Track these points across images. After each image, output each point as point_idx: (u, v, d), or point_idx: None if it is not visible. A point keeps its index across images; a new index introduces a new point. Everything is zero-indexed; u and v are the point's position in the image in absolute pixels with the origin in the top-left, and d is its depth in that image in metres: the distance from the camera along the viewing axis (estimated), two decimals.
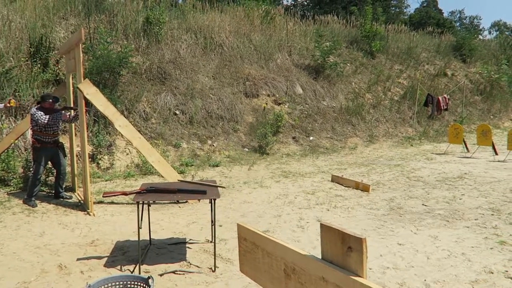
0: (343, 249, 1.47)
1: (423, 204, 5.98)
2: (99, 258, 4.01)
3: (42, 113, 5.61)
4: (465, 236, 4.61)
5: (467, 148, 10.85)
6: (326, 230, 1.57)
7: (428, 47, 18.62)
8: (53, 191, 6.17)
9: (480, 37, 25.66)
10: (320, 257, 1.62)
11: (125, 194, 3.90)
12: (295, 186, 7.11)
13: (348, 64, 14.75)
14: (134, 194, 3.75)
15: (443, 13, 44.65)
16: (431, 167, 8.78)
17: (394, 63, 16.34)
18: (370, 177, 7.80)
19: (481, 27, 55.81)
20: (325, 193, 6.65)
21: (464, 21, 56.69)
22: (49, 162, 6.01)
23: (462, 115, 15.02)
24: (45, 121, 5.57)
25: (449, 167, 8.78)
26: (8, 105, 5.89)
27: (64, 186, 6.16)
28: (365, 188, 6.81)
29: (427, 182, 7.38)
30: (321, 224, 1.62)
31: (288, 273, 1.75)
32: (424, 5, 45.28)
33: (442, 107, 14.06)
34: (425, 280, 3.51)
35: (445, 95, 14.42)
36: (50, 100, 5.73)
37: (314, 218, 5.31)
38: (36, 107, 5.73)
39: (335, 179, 7.44)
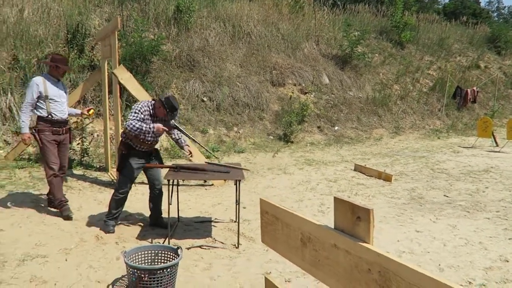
0: (353, 219, 1.65)
1: (444, 195, 6.03)
2: (132, 231, 4.33)
3: (142, 110, 4.11)
4: (484, 226, 4.68)
5: (496, 142, 10.67)
6: (339, 202, 1.76)
7: (461, 38, 18.15)
8: (149, 215, 4.58)
9: None
10: (333, 227, 1.81)
11: (161, 167, 4.22)
12: (317, 174, 7.28)
13: (377, 55, 14.62)
14: (166, 171, 4.04)
15: (480, 2, 43.00)
16: (457, 160, 8.73)
17: (424, 54, 16.05)
18: (393, 168, 7.86)
19: None
20: (347, 181, 6.78)
21: (502, 11, 54.40)
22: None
23: (493, 108, 14.66)
24: (130, 123, 4.02)
25: (475, 161, 8.70)
26: (86, 113, 5.09)
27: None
28: (387, 178, 6.89)
29: (451, 175, 7.38)
30: (334, 197, 1.81)
31: (304, 242, 1.96)
32: None
33: (469, 99, 13.79)
34: (439, 265, 3.64)
35: (475, 88, 14.11)
36: (168, 113, 4.11)
37: None
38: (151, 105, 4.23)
39: (358, 168, 7.55)
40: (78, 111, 5.10)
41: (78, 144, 7.08)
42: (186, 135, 4.52)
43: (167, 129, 4.24)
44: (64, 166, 4.83)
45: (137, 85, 5.90)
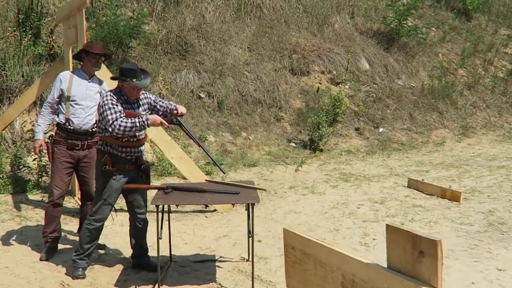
0: (414, 255, 1.63)
1: None
2: (108, 276, 4.35)
3: (115, 101, 4.13)
4: None
5: None
6: (393, 232, 1.74)
7: None
8: (131, 254, 4.67)
9: None
10: (385, 265, 1.79)
11: (146, 188, 4.35)
12: (358, 193, 7.25)
13: (433, 29, 14.55)
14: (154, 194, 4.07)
15: None
16: None
17: (499, 27, 15.92)
18: (461, 183, 7.80)
19: None
20: (399, 203, 6.74)
21: None
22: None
23: None
24: (118, 126, 4.02)
25: None
26: None
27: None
28: (454, 197, 6.84)
29: None
30: (387, 225, 1.79)
31: (346, 286, 1.94)
32: None
33: None
34: None
35: None
36: (134, 81, 4.18)
37: (383, 234, 5.41)
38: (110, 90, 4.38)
39: (413, 185, 7.50)
40: None
41: (34, 159, 7.15)
42: (193, 138, 4.48)
43: (166, 123, 4.27)
44: (91, 194, 4.86)
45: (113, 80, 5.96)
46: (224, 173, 4.99)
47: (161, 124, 4.23)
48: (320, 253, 2.06)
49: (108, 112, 4.05)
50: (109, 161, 4.17)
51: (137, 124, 4.04)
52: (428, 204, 6.66)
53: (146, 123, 4.08)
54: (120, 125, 4.00)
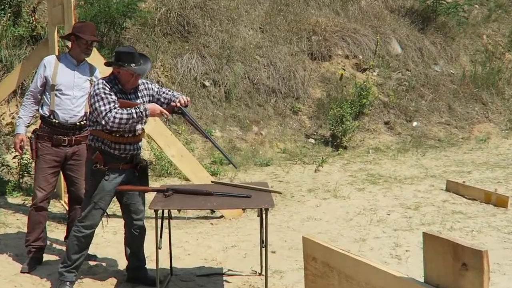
0: (455, 267, 1.63)
1: None
2: None
3: (108, 90, 4.10)
4: None
5: None
6: (431, 242, 1.74)
7: None
8: (126, 266, 4.68)
9: None
10: (422, 280, 1.79)
11: (144, 190, 4.35)
12: (388, 197, 7.24)
13: (477, 6, 14.44)
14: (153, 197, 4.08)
15: None
16: None
17: None
18: (509, 186, 7.75)
19: None
20: (436, 209, 6.71)
21: None
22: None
23: None
24: (112, 118, 3.98)
25: None
26: None
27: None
28: (500, 202, 6.79)
29: None
30: (424, 233, 1.79)
31: None
32: None
33: None
34: None
35: None
36: (133, 66, 4.11)
37: (418, 245, 5.40)
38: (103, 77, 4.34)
39: (453, 187, 7.47)
40: None
41: (14, 157, 7.21)
42: (198, 129, 4.45)
43: (167, 113, 4.25)
44: (80, 197, 4.81)
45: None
46: (236, 167, 4.94)
47: (162, 114, 4.21)
48: (345, 265, 2.06)
49: (101, 102, 4.01)
50: (101, 159, 4.13)
51: (134, 116, 3.99)
52: (470, 211, 6.62)
53: (144, 113, 4.03)
54: (114, 117, 3.95)
